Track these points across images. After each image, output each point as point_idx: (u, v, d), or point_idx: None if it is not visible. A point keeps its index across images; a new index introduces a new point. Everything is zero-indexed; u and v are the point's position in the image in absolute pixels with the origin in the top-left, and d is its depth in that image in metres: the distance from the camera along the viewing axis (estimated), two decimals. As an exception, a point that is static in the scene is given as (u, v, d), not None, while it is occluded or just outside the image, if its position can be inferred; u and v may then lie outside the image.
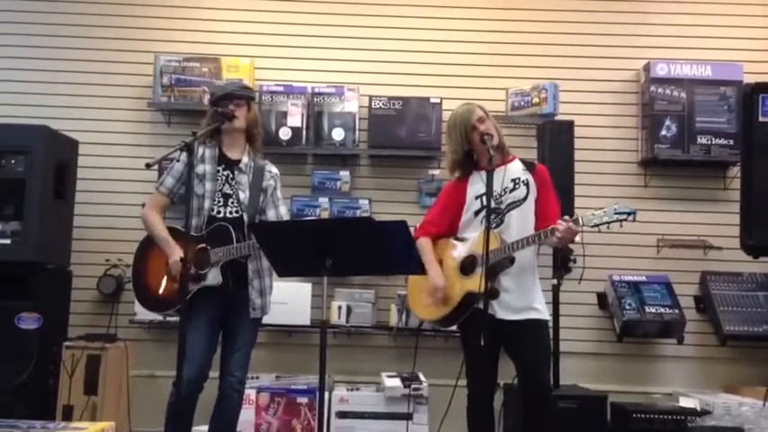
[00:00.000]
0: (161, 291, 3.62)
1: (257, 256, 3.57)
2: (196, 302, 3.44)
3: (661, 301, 4.84)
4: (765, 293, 4.90)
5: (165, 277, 3.60)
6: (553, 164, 4.40)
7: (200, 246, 3.49)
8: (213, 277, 3.50)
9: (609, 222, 3.25)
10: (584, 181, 4.89)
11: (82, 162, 4.93)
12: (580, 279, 4.71)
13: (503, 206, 3.49)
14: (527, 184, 3.52)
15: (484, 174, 3.38)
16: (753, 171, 3.94)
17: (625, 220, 3.24)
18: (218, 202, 3.60)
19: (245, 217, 3.58)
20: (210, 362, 3.54)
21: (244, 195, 3.62)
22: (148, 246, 3.69)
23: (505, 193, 3.51)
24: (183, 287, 3.11)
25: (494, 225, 3.43)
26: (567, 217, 3.33)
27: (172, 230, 3.64)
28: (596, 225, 3.27)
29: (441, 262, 3.56)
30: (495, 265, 3.33)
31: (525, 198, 3.51)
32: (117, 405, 4.47)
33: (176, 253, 3.48)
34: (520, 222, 3.47)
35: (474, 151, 3.56)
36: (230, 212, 3.59)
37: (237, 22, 5.26)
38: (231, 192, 3.62)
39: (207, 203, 3.58)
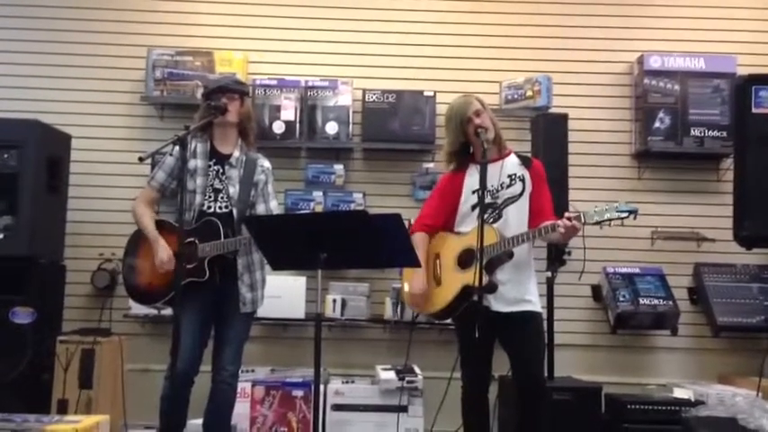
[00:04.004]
0: (150, 283, 3.61)
1: (248, 250, 3.57)
2: (186, 297, 3.42)
3: (655, 293, 4.85)
4: (758, 285, 4.92)
5: (156, 270, 3.59)
6: (547, 157, 4.41)
7: (188, 240, 3.48)
8: (201, 272, 3.50)
9: (610, 220, 3.25)
10: (578, 174, 4.90)
11: (75, 156, 4.92)
12: (581, 274, 4.72)
13: (499, 201, 3.49)
14: (523, 180, 3.52)
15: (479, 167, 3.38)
16: (746, 163, 3.95)
17: (626, 217, 3.24)
18: (209, 197, 3.59)
19: (235, 212, 3.58)
20: (201, 356, 3.54)
21: (233, 190, 3.61)
22: (138, 239, 3.69)
23: (502, 188, 3.51)
24: (177, 281, 3.11)
25: (491, 220, 3.44)
26: (569, 214, 3.33)
27: (161, 223, 3.64)
28: (598, 222, 3.27)
29: (438, 255, 3.56)
30: (493, 259, 3.33)
31: (521, 194, 3.50)
32: (112, 399, 4.47)
33: (164, 251, 3.49)
34: (517, 218, 3.47)
35: (470, 144, 3.56)
36: (220, 207, 3.59)
37: (230, 16, 5.24)
38: (221, 186, 3.61)
39: (198, 198, 3.57)
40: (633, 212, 3.23)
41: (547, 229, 3.32)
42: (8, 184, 4.42)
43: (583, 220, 3.28)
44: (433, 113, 4.98)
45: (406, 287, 3.67)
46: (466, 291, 3.39)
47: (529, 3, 5.28)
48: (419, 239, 3.56)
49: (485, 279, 3.21)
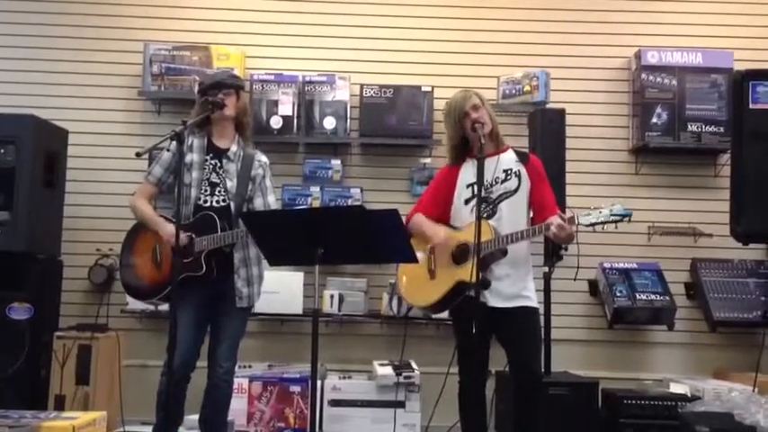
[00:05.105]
0: (147, 279, 3.61)
1: (244, 245, 3.56)
2: (183, 292, 3.40)
3: (652, 288, 4.85)
4: (755, 280, 4.93)
5: (152, 265, 3.59)
6: (544, 152, 4.41)
7: (186, 234, 3.47)
8: (198, 267, 3.49)
9: (604, 223, 3.26)
10: (576, 169, 4.90)
11: (72, 151, 4.90)
12: (576, 270, 4.71)
13: (493, 196, 3.49)
14: (519, 176, 3.51)
15: (476, 162, 3.38)
16: (743, 158, 3.96)
17: (620, 221, 3.25)
18: (205, 191, 3.59)
19: (232, 206, 3.58)
20: (198, 351, 3.54)
21: (231, 184, 3.61)
22: (135, 234, 3.69)
23: (497, 183, 3.50)
24: (174, 276, 3.10)
25: (486, 215, 3.43)
26: (562, 214, 3.33)
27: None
28: (592, 224, 3.28)
29: (433, 249, 3.56)
30: (486, 256, 3.33)
31: (517, 190, 3.50)
32: (109, 395, 4.47)
33: (168, 227, 3.48)
34: (512, 214, 3.47)
35: (468, 138, 3.56)
36: (217, 201, 3.58)
37: (228, 11, 5.23)
38: (218, 180, 3.61)
39: (194, 192, 3.57)
40: (627, 216, 3.23)
41: (540, 228, 3.33)
42: (5, 179, 4.41)
43: (576, 222, 3.28)
44: (431, 108, 4.97)
45: (404, 280, 3.67)
46: (459, 286, 3.40)
47: (527, -3, 5.29)
48: (419, 217, 3.59)
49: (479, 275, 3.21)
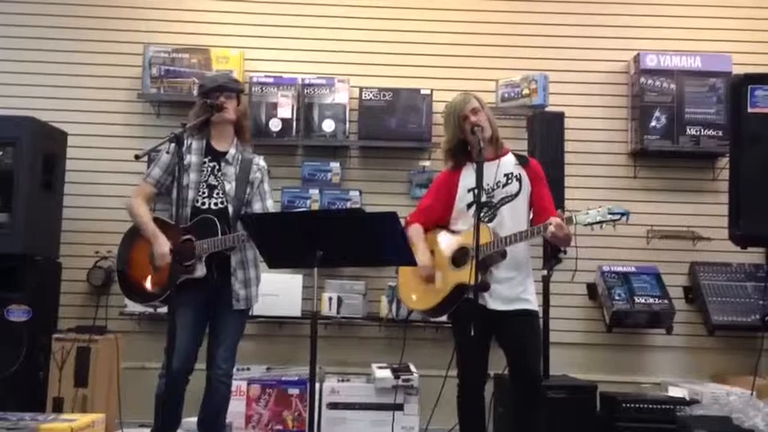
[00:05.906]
0: (145, 282, 3.61)
1: (241, 247, 3.57)
2: (181, 294, 3.41)
3: (650, 292, 4.86)
4: (753, 284, 4.93)
5: (150, 268, 3.59)
6: (543, 155, 4.41)
7: (186, 237, 3.48)
8: (198, 269, 3.49)
9: (602, 222, 3.27)
10: (575, 172, 4.90)
11: (71, 153, 4.90)
12: (573, 273, 4.72)
13: (494, 200, 3.49)
14: (519, 180, 3.52)
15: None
16: (741, 162, 3.96)
17: (618, 220, 3.26)
18: (203, 193, 3.59)
19: (230, 209, 3.58)
20: (196, 353, 3.54)
21: (229, 186, 3.61)
22: (132, 237, 3.69)
23: (498, 187, 3.51)
24: (173, 278, 3.10)
25: (486, 219, 3.44)
26: (559, 212, 3.34)
27: (156, 221, 3.63)
28: (589, 224, 3.29)
29: (432, 252, 3.56)
30: (486, 258, 3.34)
31: (517, 194, 3.50)
32: (107, 397, 4.46)
33: (163, 245, 3.48)
34: (512, 218, 3.47)
35: (467, 142, 3.56)
36: (215, 204, 3.59)
37: (227, 13, 5.23)
38: (216, 183, 3.61)
39: (191, 194, 3.57)
40: (624, 215, 3.24)
41: (540, 229, 3.34)
42: (3, 181, 4.41)
43: (574, 222, 3.29)
44: (430, 111, 4.98)
45: (404, 283, 3.67)
46: (459, 289, 3.41)
47: (526, 1, 5.28)
48: (415, 230, 3.59)
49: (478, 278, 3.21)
